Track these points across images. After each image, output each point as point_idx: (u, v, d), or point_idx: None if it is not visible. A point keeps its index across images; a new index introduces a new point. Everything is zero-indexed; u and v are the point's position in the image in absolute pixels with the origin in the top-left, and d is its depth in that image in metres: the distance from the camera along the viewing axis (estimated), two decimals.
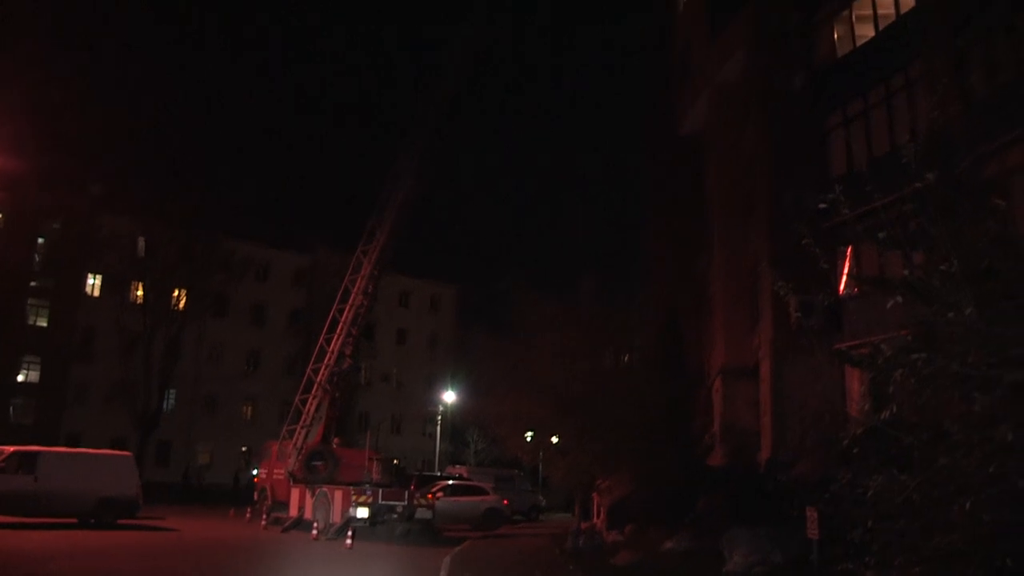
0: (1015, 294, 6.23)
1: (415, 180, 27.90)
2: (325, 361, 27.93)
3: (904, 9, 19.62)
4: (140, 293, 47.62)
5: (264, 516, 26.57)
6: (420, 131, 28.19)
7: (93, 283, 54.18)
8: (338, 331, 28.17)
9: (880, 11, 20.50)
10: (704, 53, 27.27)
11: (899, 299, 6.96)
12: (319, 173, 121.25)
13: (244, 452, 56.64)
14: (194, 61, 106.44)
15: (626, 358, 26.19)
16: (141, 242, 48.53)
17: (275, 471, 28.29)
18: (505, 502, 31.09)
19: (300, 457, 26.75)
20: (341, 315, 28.37)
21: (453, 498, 28.24)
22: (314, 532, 22.78)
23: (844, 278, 19.28)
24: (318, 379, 27.91)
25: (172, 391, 52.99)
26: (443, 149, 29.24)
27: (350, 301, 28.40)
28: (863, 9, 21.08)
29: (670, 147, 30.95)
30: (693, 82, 28.30)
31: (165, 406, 49.83)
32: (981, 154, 12.55)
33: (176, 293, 46.99)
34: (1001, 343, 6.11)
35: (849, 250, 19.09)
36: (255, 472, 35.53)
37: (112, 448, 32.32)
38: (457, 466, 44.51)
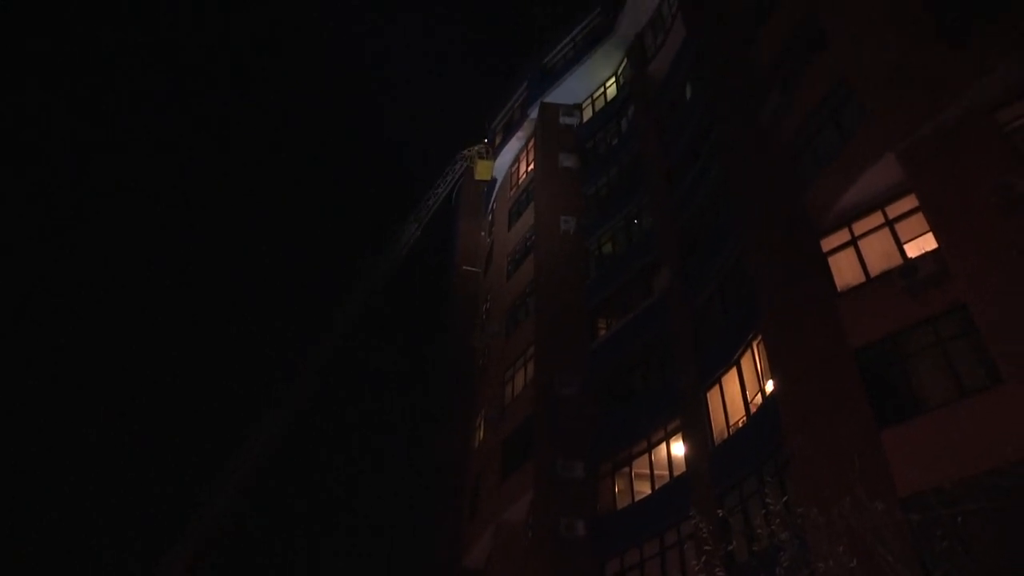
0: None
1: None
2: None
3: (677, 473, 21.57)
4: None
5: None
6: None
7: None
8: None
9: (656, 471, 22.45)
10: (493, 490, 28.17)
11: None
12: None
13: None
14: None
15: None
16: None
17: None
18: None
19: None
20: None
21: None
22: None
23: None
24: None
25: None
26: None
27: None
28: (642, 468, 23.02)
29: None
30: (481, 516, 28.76)
31: None
32: None
33: None
34: None
35: None
36: None
37: None
38: None
